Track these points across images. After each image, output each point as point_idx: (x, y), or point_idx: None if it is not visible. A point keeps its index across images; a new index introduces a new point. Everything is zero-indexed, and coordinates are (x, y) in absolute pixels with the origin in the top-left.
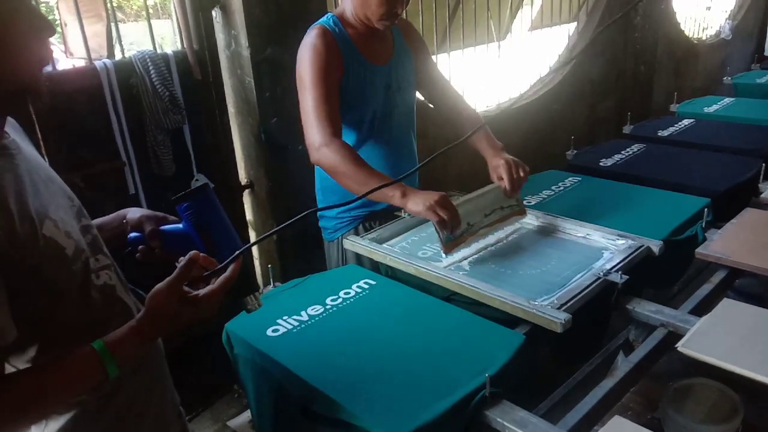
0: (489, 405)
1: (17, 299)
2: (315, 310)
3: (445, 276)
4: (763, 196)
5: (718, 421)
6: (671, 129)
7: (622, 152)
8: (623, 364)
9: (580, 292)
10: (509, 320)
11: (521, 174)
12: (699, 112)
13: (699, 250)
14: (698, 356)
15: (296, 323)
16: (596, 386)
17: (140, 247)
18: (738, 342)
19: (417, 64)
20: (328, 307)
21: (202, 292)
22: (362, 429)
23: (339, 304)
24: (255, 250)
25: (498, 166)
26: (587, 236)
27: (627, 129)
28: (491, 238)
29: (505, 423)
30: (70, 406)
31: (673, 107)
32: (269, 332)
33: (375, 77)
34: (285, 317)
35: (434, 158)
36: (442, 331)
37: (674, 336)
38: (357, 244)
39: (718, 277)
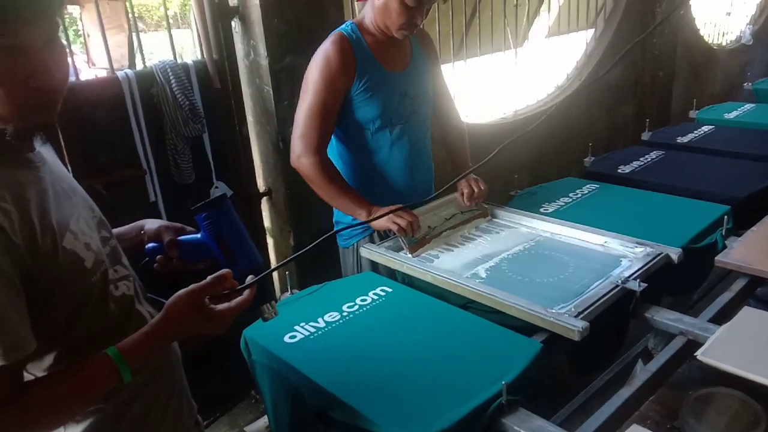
0: (506, 413)
1: (38, 311)
2: (332, 316)
3: (461, 284)
4: None
5: (740, 431)
6: (690, 135)
7: (641, 159)
8: (641, 373)
9: (597, 300)
10: (527, 328)
11: (480, 188)
12: (719, 119)
13: (719, 258)
14: (718, 365)
15: (313, 330)
16: (614, 395)
17: (158, 257)
18: (759, 350)
19: (430, 71)
20: (344, 314)
21: (219, 307)
22: None
23: (356, 311)
24: (273, 257)
25: (461, 183)
26: (605, 244)
27: (645, 135)
28: (508, 246)
29: (522, 431)
30: (87, 414)
31: (693, 113)
32: (286, 339)
33: (391, 84)
34: (302, 324)
35: (453, 183)
36: (459, 339)
37: (693, 344)
38: (374, 252)
39: (738, 285)
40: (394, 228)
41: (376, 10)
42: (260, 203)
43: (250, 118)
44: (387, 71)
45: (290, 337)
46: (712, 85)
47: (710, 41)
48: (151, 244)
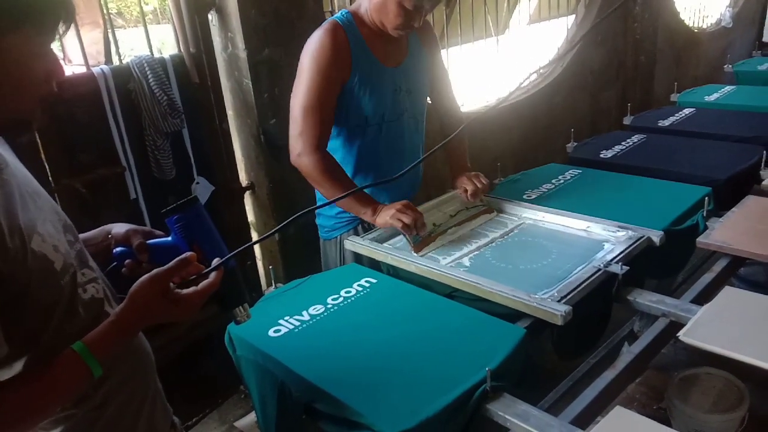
0: (490, 399)
1: (8, 315)
2: (316, 309)
3: (446, 273)
4: (764, 183)
5: (725, 410)
6: (672, 119)
7: (623, 143)
8: (625, 355)
9: (580, 284)
10: (511, 315)
11: (483, 182)
12: (699, 101)
13: (700, 239)
14: (700, 345)
15: (298, 323)
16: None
17: (126, 261)
18: (740, 330)
19: (428, 63)
20: (329, 306)
21: (185, 291)
22: (366, 426)
23: (340, 303)
24: (258, 251)
25: (462, 180)
26: (588, 229)
27: (627, 120)
28: (491, 234)
29: (507, 416)
30: (57, 420)
31: (674, 97)
32: (271, 333)
33: (385, 78)
34: (286, 317)
35: (420, 161)
36: (444, 328)
37: (676, 326)
38: (358, 244)
39: (720, 266)
40: (398, 225)
41: (372, 4)
42: (243, 198)
43: (229, 112)
44: (382, 65)
45: (275, 332)
46: (693, 68)
47: (691, 25)
48: (119, 248)
